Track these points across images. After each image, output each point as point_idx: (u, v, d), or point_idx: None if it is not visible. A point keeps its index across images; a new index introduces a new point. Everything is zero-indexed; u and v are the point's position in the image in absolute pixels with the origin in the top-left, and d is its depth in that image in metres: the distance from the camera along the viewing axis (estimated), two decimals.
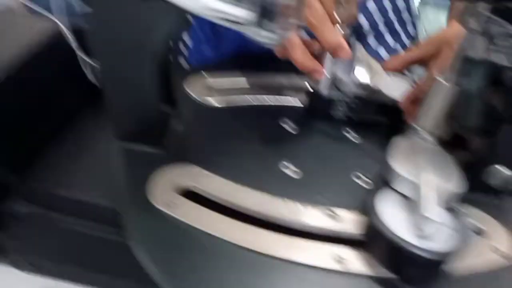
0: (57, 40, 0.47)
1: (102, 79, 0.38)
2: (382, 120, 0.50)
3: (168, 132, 0.44)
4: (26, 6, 0.51)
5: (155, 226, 0.34)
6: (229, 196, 0.37)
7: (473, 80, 0.34)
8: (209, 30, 0.65)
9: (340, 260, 0.34)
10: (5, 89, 0.40)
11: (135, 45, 0.35)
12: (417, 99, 0.45)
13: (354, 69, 0.46)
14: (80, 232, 0.43)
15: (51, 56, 0.47)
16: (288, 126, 0.48)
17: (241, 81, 0.54)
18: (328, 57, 0.45)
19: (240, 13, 0.22)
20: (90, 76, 0.45)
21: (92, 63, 0.45)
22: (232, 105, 0.50)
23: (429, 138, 0.39)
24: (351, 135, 0.48)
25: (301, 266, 0.33)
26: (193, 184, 0.38)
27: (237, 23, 0.22)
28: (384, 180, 0.37)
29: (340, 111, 0.49)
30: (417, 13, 0.73)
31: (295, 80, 0.54)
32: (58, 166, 0.44)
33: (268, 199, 0.38)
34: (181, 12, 0.32)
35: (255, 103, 0.51)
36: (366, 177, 0.42)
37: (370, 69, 0.47)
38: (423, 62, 0.49)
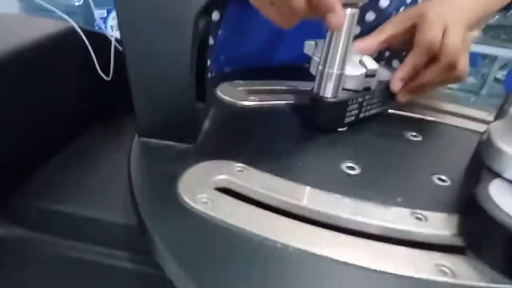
0: (66, 40, 0.40)
1: (131, 68, 0.31)
2: (382, 108, 0.43)
3: (200, 129, 0.36)
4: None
5: (190, 228, 0.25)
6: (285, 195, 0.28)
7: None
8: (230, 52, 0.60)
9: (446, 271, 0.24)
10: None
11: (172, 11, 0.29)
12: (409, 78, 0.42)
13: (360, 61, 0.39)
14: (86, 260, 0.33)
15: (57, 55, 0.40)
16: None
17: (270, 85, 0.47)
18: (341, 53, 0.35)
19: None
20: (104, 74, 0.38)
21: (120, 45, 0.37)
22: (269, 105, 0.43)
23: None
24: (410, 134, 0.41)
25: (403, 278, 0.23)
26: (235, 182, 0.29)
27: None
28: (491, 170, 0.28)
29: (351, 115, 0.40)
30: None
31: None
32: (60, 180, 0.36)
33: (333, 198, 0.29)
34: None
35: (295, 105, 0.43)
36: (445, 176, 0.34)
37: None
38: (399, 41, 0.43)
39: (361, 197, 0.30)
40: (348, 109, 0.39)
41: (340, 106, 0.38)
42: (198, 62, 0.35)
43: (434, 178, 0.34)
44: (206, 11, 0.34)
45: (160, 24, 0.29)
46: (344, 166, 0.34)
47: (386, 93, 0.42)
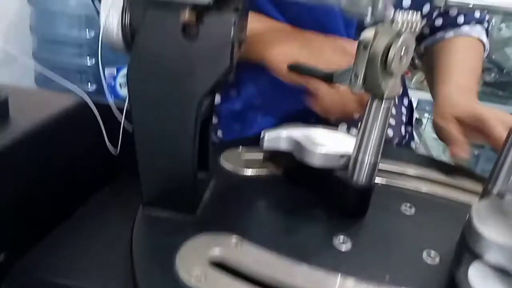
0: (78, 115, 0.43)
1: (138, 142, 0.34)
2: None
3: (201, 200, 0.38)
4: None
5: None
6: (278, 272, 0.30)
7: None
8: (237, 122, 0.63)
9: None
10: (17, 159, 0.35)
11: (178, 94, 0.32)
12: None
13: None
14: None
15: (70, 130, 0.43)
16: None
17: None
18: (377, 142, 0.36)
19: None
20: (112, 149, 0.41)
21: (125, 123, 0.40)
22: (271, 175, 0.45)
23: None
24: (405, 208, 0.42)
25: None
26: (230, 256, 0.31)
27: None
28: (472, 252, 0.29)
29: None
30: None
31: None
32: (63, 251, 0.37)
33: (324, 277, 0.30)
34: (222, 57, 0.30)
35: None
36: (435, 253, 0.35)
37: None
38: None
39: (350, 274, 0.31)
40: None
41: (370, 192, 0.39)
42: (202, 135, 0.38)
43: (424, 254, 0.35)
44: (210, 92, 0.38)
45: (167, 105, 0.33)
46: (337, 240, 0.35)
47: None
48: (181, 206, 0.35)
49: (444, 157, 2.21)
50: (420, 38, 0.69)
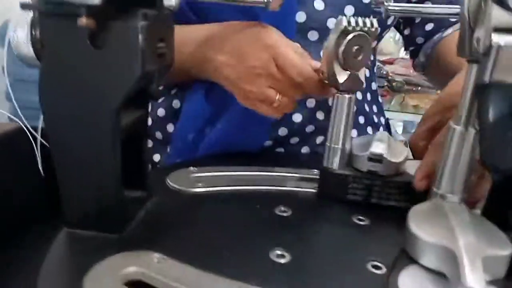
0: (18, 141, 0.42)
1: (54, 156, 0.32)
2: (400, 202, 0.41)
3: (131, 219, 0.36)
4: None
5: None
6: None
7: (503, 106, 0.27)
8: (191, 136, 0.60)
9: None
10: None
11: (92, 105, 0.30)
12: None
13: (371, 145, 0.41)
14: None
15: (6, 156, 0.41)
16: (283, 212, 0.39)
17: (228, 173, 0.47)
18: (342, 130, 0.41)
19: None
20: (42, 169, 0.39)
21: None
22: (217, 193, 0.43)
23: (457, 200, 0.30)
24: (356, 218, 0.40)
25: None
26: (149, 275, 0.28)
27: None
28: (407, 255, 0.27)
29: (356, 194, 0.42)
30: None
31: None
32: None
33: None
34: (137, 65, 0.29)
35: (246, 191, 0.43)
36: (381, 264, 0.32)
37: (390, 147, 0.41)
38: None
39: (288, 286, 0.28)
40: (351, 185, 0.41)
41: (341, 179, 0.41)
42: (134, 152, 0.36)
43: (369, 266, 0.32)
44: (139, 105, 0.36)
45: (83, 118, 0.31)
46: (274, 254, 0.33)
47: (407, 190, 0.40)
48: (105, 226, 0.33)
49: None
50: (415, 50, 0.69)
